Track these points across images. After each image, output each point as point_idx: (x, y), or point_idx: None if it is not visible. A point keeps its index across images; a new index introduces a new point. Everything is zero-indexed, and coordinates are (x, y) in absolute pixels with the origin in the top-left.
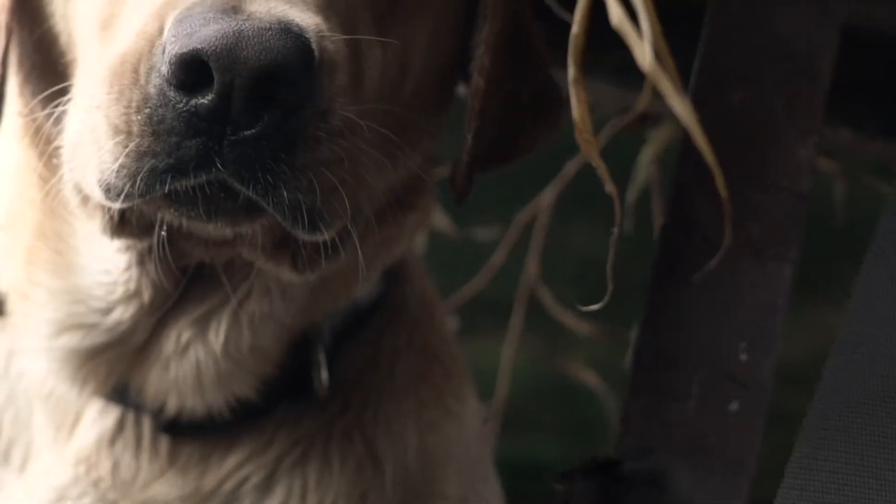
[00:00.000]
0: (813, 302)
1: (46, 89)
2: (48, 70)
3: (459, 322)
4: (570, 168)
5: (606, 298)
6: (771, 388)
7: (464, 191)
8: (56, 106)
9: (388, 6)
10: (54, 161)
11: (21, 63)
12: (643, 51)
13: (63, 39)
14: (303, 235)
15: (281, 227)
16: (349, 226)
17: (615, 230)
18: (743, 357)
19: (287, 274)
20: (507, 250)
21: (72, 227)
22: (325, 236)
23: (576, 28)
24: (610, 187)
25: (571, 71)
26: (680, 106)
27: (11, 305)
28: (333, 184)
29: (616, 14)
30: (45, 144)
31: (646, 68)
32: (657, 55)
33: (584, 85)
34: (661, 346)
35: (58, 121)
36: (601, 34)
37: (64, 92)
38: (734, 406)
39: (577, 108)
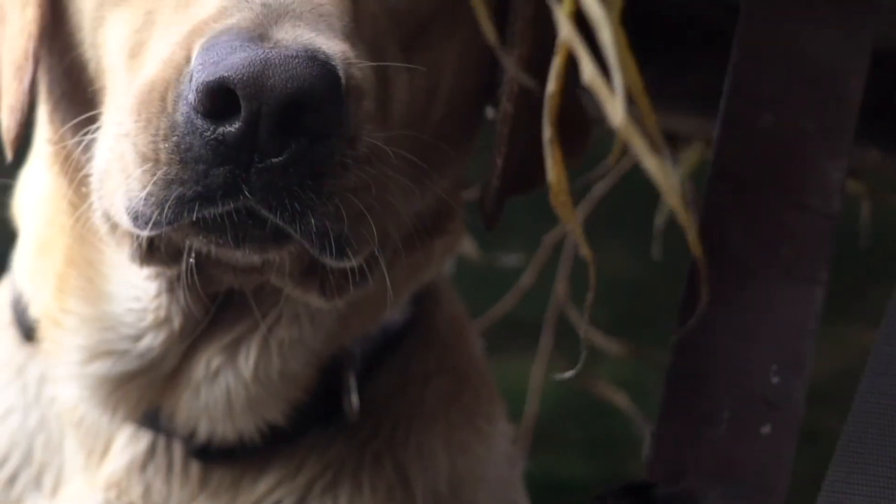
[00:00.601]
0: (839, 320)
1: (76, 117)
2: (77, 98)
3: (488, 342)
4: (599, 189)
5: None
6: (803, 410)
7: (494, 216)
8: (85, 134)
9: (414, 32)
10: (84, 189)
11: (50, 91)
12: (615, 108)
13: (92, 67)
14: (330, 262)
15: (309, 254)
16: (377, 252)
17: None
18: (774, 379)
19: (316, 300)
20: (536, 271)
21: (102, 254)
22: (352, 263)
23: (551, 86)
24: (585, 251)
25: (547, 132)
26: (653, 166)
27: (43, 332)
28: (361, 210)
29: (588, 71)
30: (75, 172)
31: (617, 125)
32: (640, 111)
33: (559, 145)
34: (692, 369)
35: (87, 148)
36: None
37: (93, 120)
38: (766, 429)
39: (552, 171)
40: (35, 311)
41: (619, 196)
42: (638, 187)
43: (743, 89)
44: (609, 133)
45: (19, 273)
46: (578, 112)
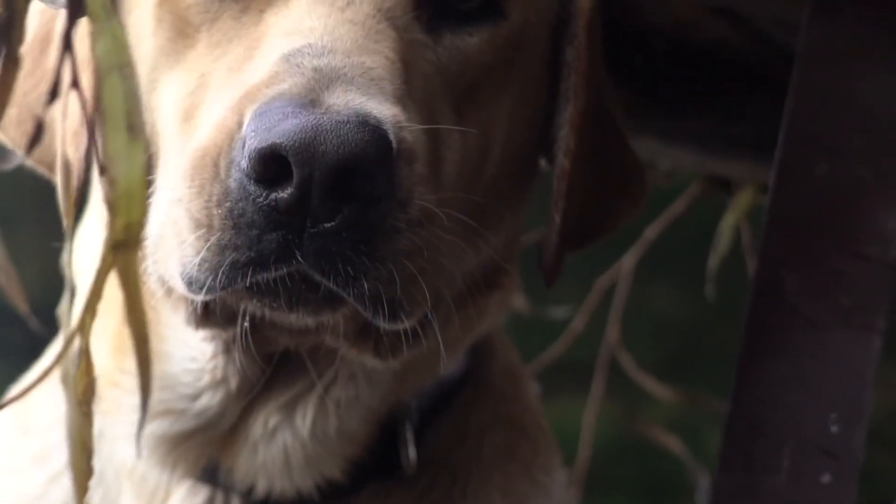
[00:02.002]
0: (892, 357)
1: None
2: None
3: (540, 386)
4: (651, 232)
5: None
6: (862, 458)
7: (554, 273)
8: None
9: (466, 92)
10: (140, 253)
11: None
12: None
13: (147, 128)
14: (384, 324)
15: (363, 316)
16: (429, 314)
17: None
18: (833, 428)
19: (370, 360)
20: (588, 316)
21: (158, 315)
22: (405, 325)
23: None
24: None
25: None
26: None
27: (101, 391)
28: (413, 273)
29: None
30: None
31: None
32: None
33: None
34: (751, 418)
35: None
36: (679, 102)
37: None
38: (826, 478)
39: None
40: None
41: (670, 239)
42: (688, 230)
43: (799, 137)
44: (660, 178)
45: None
46: (635, 168)
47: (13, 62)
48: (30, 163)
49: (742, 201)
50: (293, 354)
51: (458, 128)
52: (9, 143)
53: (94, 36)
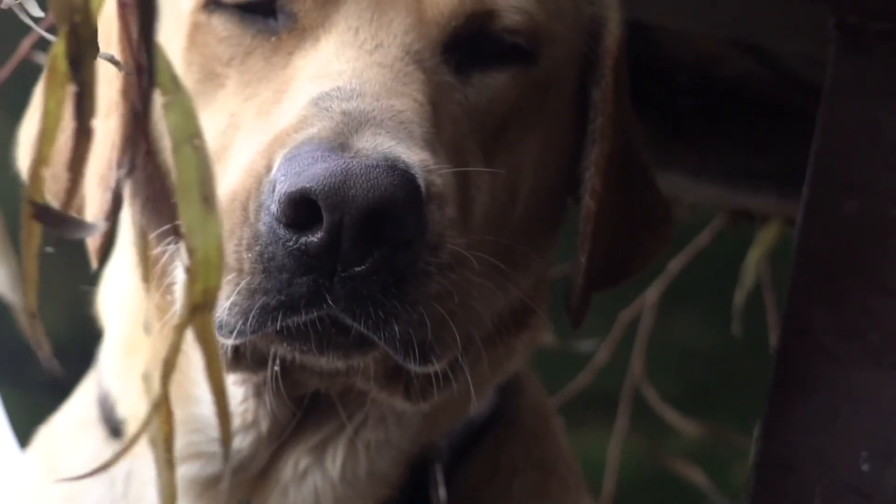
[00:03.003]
0: None
1: (160, 223)
2: (161, 203)
3: (564, 417)
4: (675, 266)
5: None
6: (894, 496)
7: (581, 313)
8: (169, 243)
9: (494, 133)
10: (168, 296)
11: (134, 196)
12: None
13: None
14: (414, 368)
15: (393, 359)
16: (460, 356)
17: None
18: (864, 467)
19: (401, 403)
20: (612, 348)
21: (188, 358)
22: (436, 368)
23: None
24: None
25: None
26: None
27: (130, 432)
28: (443, 317)
29: None
30: (160, 277)
31: None
32: None
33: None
34: (781, 457)
35: (171, 256)
36: (703, 136)
37: (177, 229)
38: None
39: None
40: (123, 411)
41: (694, 271)
42: (712, 263)
43: (826, 174)
44: (684, 212)
45: (106, 371)
46: (661, 208)
47: (86, 134)
48: (58, 207)
49: (767, 236)
50: (323, 397)
51: (488, 169)
52: (51, 199)
53: (166, 108)
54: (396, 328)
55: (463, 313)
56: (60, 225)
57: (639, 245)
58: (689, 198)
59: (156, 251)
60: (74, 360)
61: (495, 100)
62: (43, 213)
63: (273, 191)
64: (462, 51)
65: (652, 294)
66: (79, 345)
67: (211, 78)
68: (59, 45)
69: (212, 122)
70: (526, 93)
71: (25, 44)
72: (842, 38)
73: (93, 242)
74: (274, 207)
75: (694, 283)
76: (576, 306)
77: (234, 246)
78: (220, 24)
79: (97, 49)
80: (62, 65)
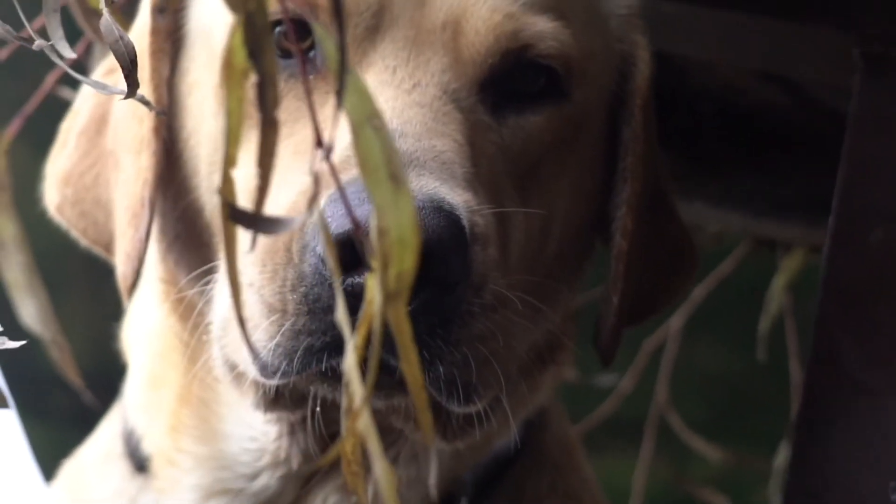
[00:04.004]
0: None
1: (190, 260)
2: (192, 241)
3: (589, 444)
4: (698, 293)
5: None
6: None
7: (611, 352)
8: (206, 283)
9: (528, 171)
10: (204, 336)
11: (163, 233)
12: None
13: (208, 211)
14: (456, 408)
15: (431, 397)
16: (500, 395)
17: None
18: (893, 497)
19: (437, 442)
20: (637, 376)
21: (217, 394)
22: (478, 408)
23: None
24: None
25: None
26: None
27: (157, 469)
28: (487, 357)
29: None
30: (192, 316)
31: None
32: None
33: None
34: (810, 487)
35: (204, 293)
36: (726, 164)
37: (211, 269)
38: None
39: (348, 441)
40: (148, 447)
41: (718, 298)
42: (736, 290)
43: (852, 203)
44: (708, 240)
45: (131, 406)
46: (687, 243)
47: (272, 124)
48: (86, 243)
49: (792, 264)
50: None
51: (527, 210)
52: (65, 224)
53: (341, 92)
54: (441, 369)
55: (505, 353)
56: (256, 224)
57: (667, 281)
58: (712, 226)
59: (191, 293)
60: (99, 392)
61: (530, 139)
62: (238, 214)
63: (318, 232)
64: (497, 89)
65: (676, 321)
66: (103, 377)
67: (245, 118)
68: (235, 37)
69: (245, 162)
70: (559, 131)
71: (50, 78)
72: (867, 67)
73: (124, 278)
74: (320, 249)
75: (718, 310)
76: (607, 345)
77: (278, 287)
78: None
79: (273, 38)
80: (240, 57)
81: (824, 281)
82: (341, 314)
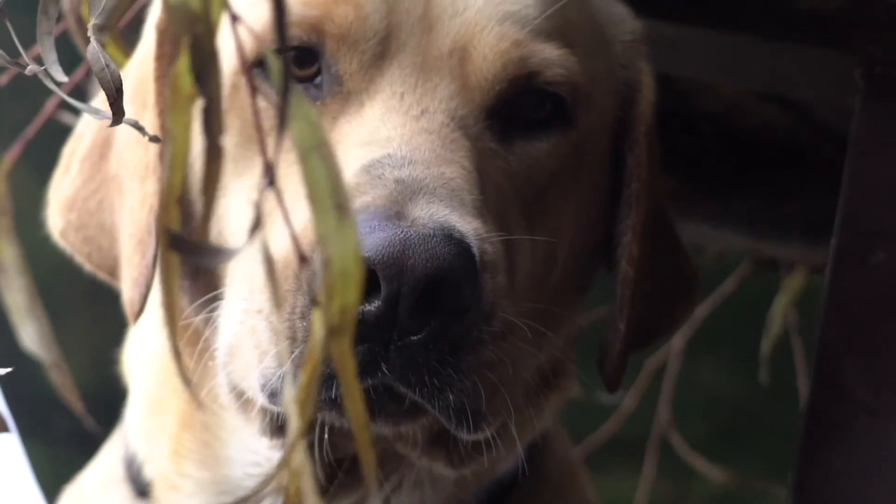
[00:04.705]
0: None
1: (194, 285)
2: (196, 266)
3: (591, 463)
4: (700, 312)
5: None
6: None
7: (618, 378)
8: (211, 311)
9: (534, 198)
10: (209, 362)
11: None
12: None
13: (213, 236)
14: (465, 436)
15: (438, 424)
16: (508, 421)
17: None
18: None
19: (441, 469)
20: (639, 395)
21: (219, 419)
22: (486, 434)
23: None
24: None
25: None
26: None
27: (159, 494)
28: (496, 385)
29: None
30: (194, 339)
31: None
32: None
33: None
34: None
35: (210, 322)
36: (727, 184)
37: (215, 291)
38: None
39: (290, 480)
40: (150, 472)
41: (720, 318)
42: (737, 309)
43: (854, 225)
44: (709, 261)
45: (132, 431)
46: (689, 268)
47: (216, 151)
48: (90, 268)
49: (793, 284)
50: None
51: (535, 237)
52: (69, 249)
53: (290, 120)
54: (451, 397)
55: (513, 380)
56: (196, 252)
57: (671, 307)
58: (713, 246)
59: (196, 319)
60: (100, 416)
61: (536, 166)
62: (179, 242)
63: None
64: (504, 116)
65: (678, 341)
66: (105, 401)
67: (251, 142)
68: (181, 61)
69: (253, 186)
70: (565, 158)
71: (50, 103)
72: (869, 88)
73: (131, 304)
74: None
75: (719, 330)
76: (613, 371)
77: (287, 314)
78: (258, 94)
79: (219, 62)
80: (186, 82)
81: (827, 302)
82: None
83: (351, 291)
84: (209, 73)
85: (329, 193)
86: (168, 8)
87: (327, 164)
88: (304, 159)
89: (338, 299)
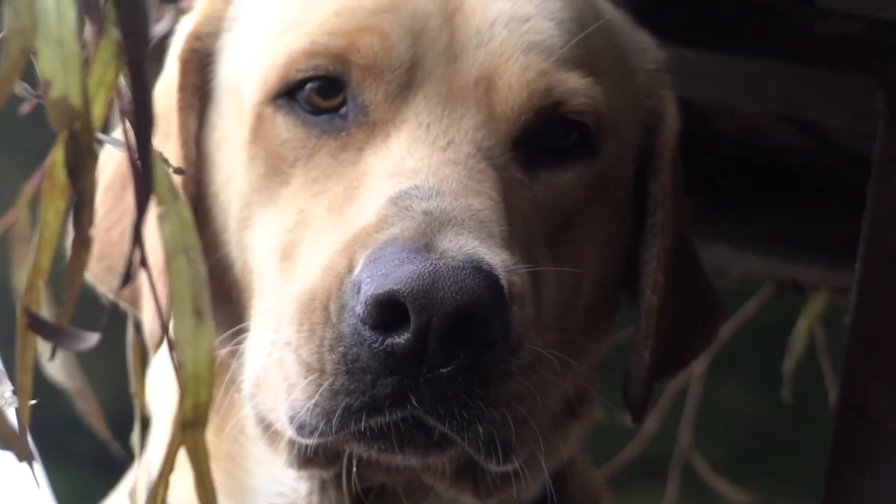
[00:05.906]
0: None
1: (220, 316)
2: (222, 297)
3: (615, 487)
4: (722, 334)
5: None
6: None
7: (643, 407)
8: (237, 343)
9: (559, 227)
10: (236, 395)
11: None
12: None
13: (238, 267)
14: (493, 467)
15: (465, 455)
16: (536, 451)
17: None
18: None
19: (468, 499)
20: (661, 417)
21: (243, 448)
22: (514, 465)
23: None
24: None
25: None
26: None
27: None
28: (524, 416)
29: None
30: (221, 371)
31: None
32: None
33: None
34: None
35: (234, 352)
36: (747, 206)
37: (241, 323)
38: None
39: None
40: (173, 501)
41: (741, 339)
42: (760, 331)
43: (879, 250)
44: (730, 283)
45: (155, 460)
46: (711, 295)
47: (84, 243)
48: (111, 298)
49: (815, 306)
50: (388, 490)
51: (563, 268)
52: (91, 278)
53: (162, 219)
54: (480, 429)
55: (541, 411)
56: (56, 336)
57: (694, 335)
58: (735, 269)
59: (223, 352)
60: (124, 440)
61: (562, 196)
62: (38, 324)
63: (358, 292)
64: (529, 146)
65: (700, 363)
66: (128, 425)
67: (276, 174)
68: (57, 153)
69: (279, 218)
70: (590, 187)
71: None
72: (891, 112)
73: (152, 334)
74: (360, 309)
75: (741, 352)
76: (638, 401)
77: (316, 346)
78: (284, 125)
79: (96, 158)
80: (60, 174)
81: (851, 327)
82: None
83: (203, 392)
84: (84, 168)
85: (190, 297)
86: (49, 102)
87: (192, 267)
88: (170, 260)
89: (190, 398)
